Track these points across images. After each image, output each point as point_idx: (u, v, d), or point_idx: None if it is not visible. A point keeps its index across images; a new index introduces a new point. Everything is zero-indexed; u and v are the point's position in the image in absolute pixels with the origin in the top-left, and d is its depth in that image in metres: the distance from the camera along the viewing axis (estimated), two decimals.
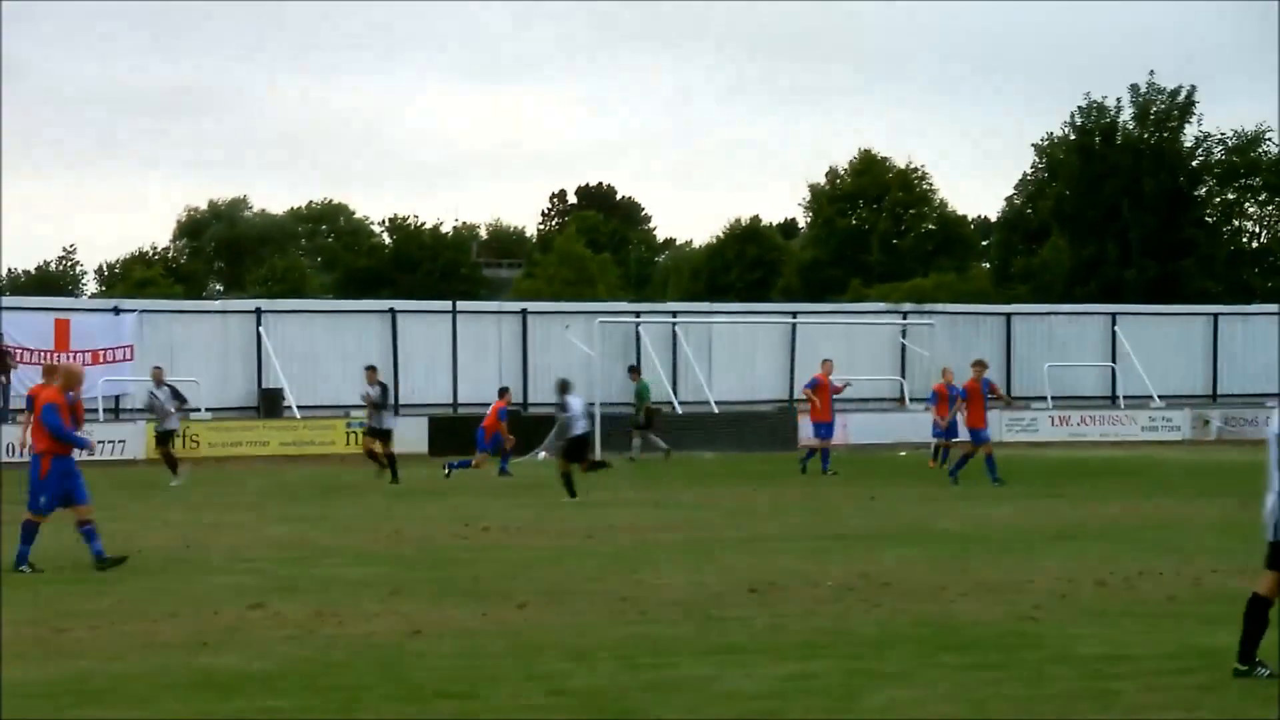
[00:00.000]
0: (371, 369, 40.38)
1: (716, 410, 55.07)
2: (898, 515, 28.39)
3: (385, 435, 38.59)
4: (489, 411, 41.71)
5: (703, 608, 16.89)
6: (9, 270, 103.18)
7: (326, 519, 28.52)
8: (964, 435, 39.04)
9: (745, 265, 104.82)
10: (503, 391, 43.58)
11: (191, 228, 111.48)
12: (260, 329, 53.69)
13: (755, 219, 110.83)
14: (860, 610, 16.66)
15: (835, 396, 42.37)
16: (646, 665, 13.64)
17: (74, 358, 49.10)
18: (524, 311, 57.91)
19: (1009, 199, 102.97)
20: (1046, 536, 24.24)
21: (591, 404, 47.94)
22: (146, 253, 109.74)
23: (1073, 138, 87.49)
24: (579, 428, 33.30)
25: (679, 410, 54.91)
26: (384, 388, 39.12)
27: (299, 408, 51.55)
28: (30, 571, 20.32)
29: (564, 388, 33.60)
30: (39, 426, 20.83)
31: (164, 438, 39.12)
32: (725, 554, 22.01)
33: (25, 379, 48.96)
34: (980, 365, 37.80)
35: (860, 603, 17.21)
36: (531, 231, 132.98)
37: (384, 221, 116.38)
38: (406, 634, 15.35)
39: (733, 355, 59.04)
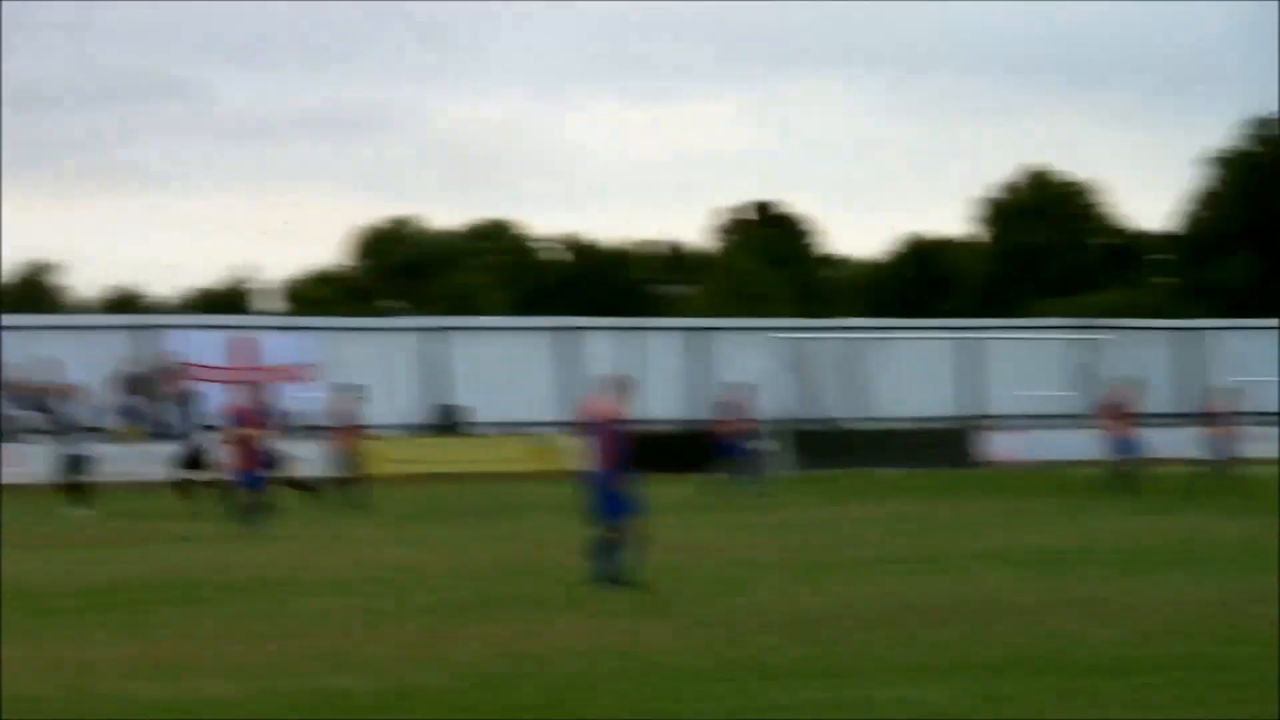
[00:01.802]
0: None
1: (888, 427, 54.82)
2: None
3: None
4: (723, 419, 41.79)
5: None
6: (191, 289, 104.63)
7: (422, 541, 27.98)
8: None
9: (913, 281, 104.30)
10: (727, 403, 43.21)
11: (369, 246, 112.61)
12: (439, 346, 54.14)
13: (926, 235, 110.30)
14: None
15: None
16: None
17: (254, 375, 49.79)
18: (698, 328, 58.04)
19: (1188, 213, 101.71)
20: None
21: (760, 420, 48.06)
22: (325, 272, 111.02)
23: (1253, 149, 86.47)
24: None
25: (851, 427, 54.75)
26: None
27: (477, 424, 51.94)
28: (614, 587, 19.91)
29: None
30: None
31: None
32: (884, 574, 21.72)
33: (212, 397, 49.70)
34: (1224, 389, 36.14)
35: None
36: (704, 248, 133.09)
37: (558, 239, 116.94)
38: (512, 656, 15.08)
39: (904, 371, 58.73)
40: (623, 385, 21.18)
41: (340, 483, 36.69)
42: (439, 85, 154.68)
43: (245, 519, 29.34)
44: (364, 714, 12.71)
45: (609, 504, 20.45)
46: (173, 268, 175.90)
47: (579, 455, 21.08)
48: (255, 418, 30.14)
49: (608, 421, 20.59)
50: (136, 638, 16.61)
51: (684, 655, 15.02)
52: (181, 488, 35.33)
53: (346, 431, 37.59)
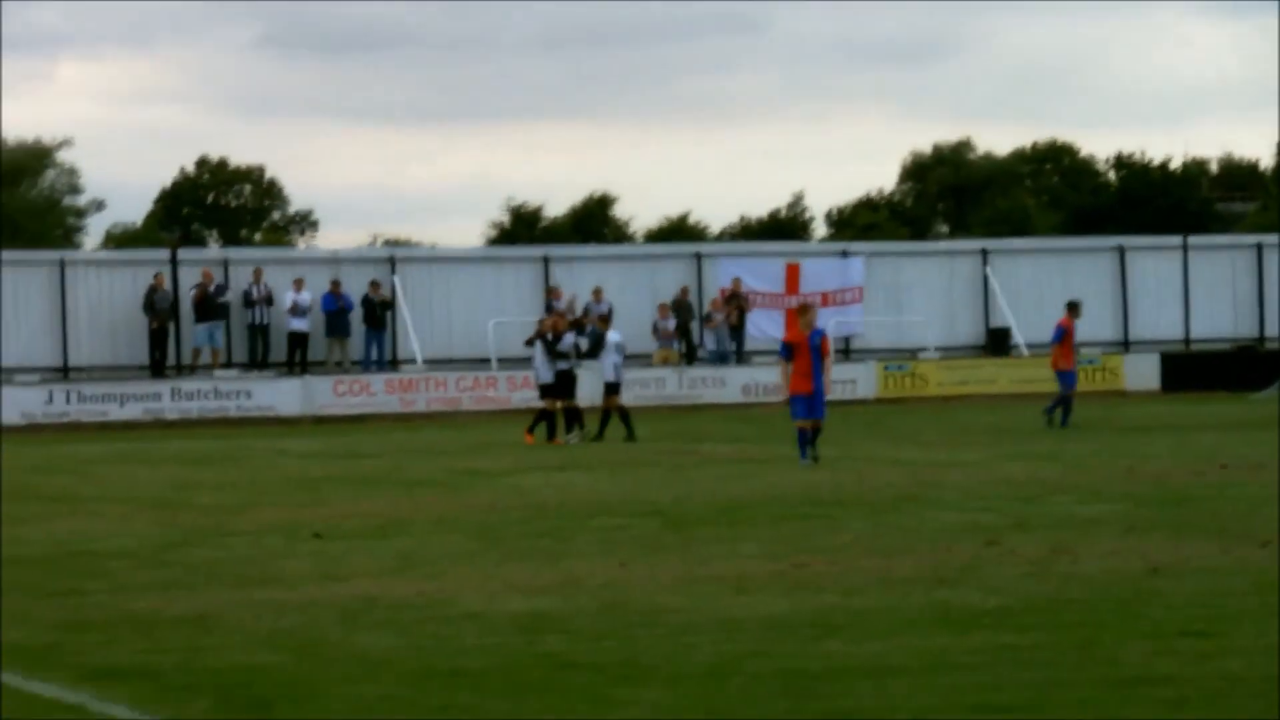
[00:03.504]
0: None
1: None
2: None
3: None
4: None
5: None
6: (742, 217, 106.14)
7: (1058, 456, 28.28)
8: None
9: None
10: None
11: (917, 171, 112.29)
12: (986, 269, 53.72)
13: None
14: None
15: None
16: None
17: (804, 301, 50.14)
18: (1258, 245, 56.15)
19: None
20: None
21: None
22: (873, 197, 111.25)
23: None
24: None
25: None
26: None
27: (1026, 345, 51.39)
28: None
29: None
30: None
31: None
32: None
33: (758, 322, 50.49)
34: None
35: None
36: (1267, 164, 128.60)
37: (1110, 159, 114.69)
38: (1145, 571, 15.03)
39: None
40: None
41: (1061, 401, 36.56)
42: (998, 8, 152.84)
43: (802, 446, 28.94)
44: (976, 627, 12.66)
45: None
46: (726, 197, 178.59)
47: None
48: (807, 344, 29.59)
49: None
50: (769, 553, 16.96)
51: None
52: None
53: (1063, 348, 37.05)
